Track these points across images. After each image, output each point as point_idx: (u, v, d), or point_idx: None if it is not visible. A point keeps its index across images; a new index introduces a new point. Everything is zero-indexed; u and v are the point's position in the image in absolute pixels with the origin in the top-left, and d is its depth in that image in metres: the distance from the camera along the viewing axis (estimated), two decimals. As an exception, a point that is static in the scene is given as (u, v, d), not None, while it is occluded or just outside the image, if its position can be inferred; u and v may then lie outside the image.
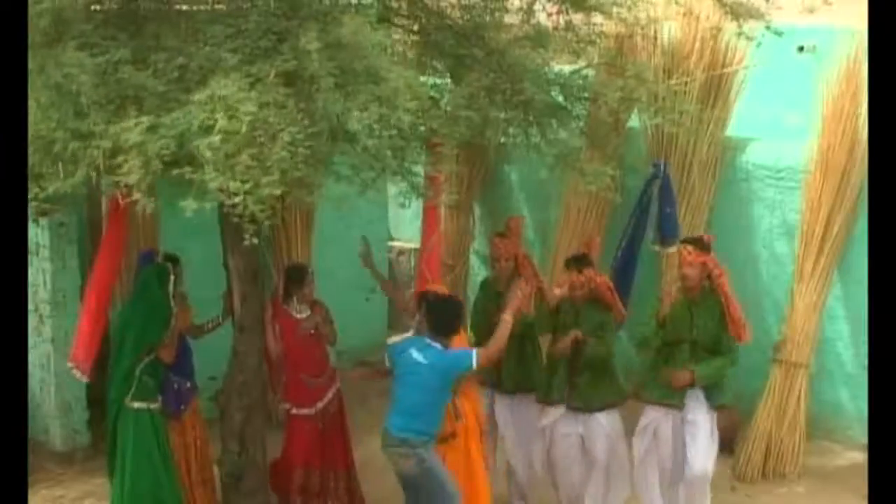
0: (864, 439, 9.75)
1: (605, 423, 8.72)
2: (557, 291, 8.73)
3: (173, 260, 8.87)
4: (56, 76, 6.41)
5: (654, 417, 8.63)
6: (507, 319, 8.09)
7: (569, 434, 8.81)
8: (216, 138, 6.12)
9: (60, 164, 6.51)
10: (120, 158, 6.35)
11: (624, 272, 10.67)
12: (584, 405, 8.71)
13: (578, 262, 8.73)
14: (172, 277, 8.56)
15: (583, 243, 8.94)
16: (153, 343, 8.46)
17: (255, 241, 6.63)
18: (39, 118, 6.46)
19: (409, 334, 8.48)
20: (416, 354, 8.08)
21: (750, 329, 8.45)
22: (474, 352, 8.08)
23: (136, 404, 8.50)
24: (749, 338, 8.40)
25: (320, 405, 9.14)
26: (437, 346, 8.08)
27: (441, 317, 8.20)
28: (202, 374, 9.45)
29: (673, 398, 8.48)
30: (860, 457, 9.96)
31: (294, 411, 9.16)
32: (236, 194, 6.13)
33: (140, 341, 8.45)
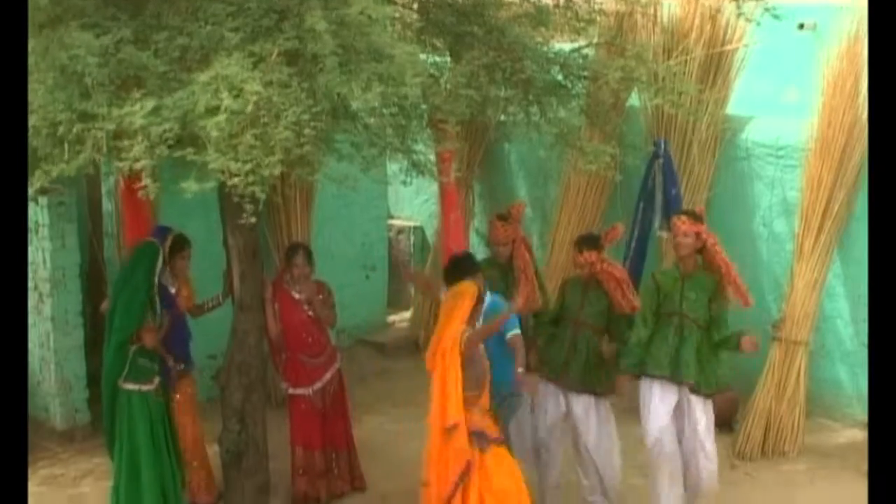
0: (863, 417, 9.80)
1: (591, 407, 8.75)
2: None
3: (184, 241, 8.87)
4: (61, 58, 6.40)
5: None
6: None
7: (554, 412, 8.85)
8: (222, 118, 6.11)
9: (66, 146, 6.50)
10: (125, 142, 6.35)
11: (639, 263, 10.68)
12: (572, 386, 8.73)
13: (581, 242, 8.74)
14: (162, 257, 8.53)
15: (605, 231, 8.86)
16: (132, 327, 8.41)
17: (253, 220, 6.63)
18: (47, 100, 6.46)
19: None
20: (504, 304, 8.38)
21: (752, 299, 8.43)
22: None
23: (129, 386, 8.50)
24: (752, 303, 8.35)
25: (318, 385, 9.17)
26: None
27: None
28: (202, 352, 9.47)
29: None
30: (859, 434, 10.00)
31: (291, 391, 9.20)
32: (237, 175, 6.13)
33: (121, 324, 8.42)
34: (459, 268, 8.33)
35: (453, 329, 7.57)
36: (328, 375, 9.23)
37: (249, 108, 6.10)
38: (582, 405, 8.74)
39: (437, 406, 7.53)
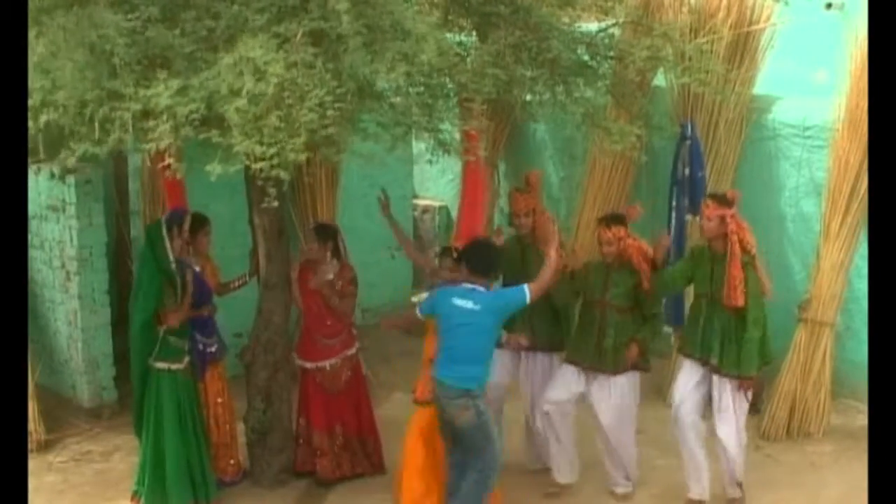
0: (889, 398, 9.76)
1: (611, 387, 8.80)
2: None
3: (203, 218, 8.88)
4: (91, 36, 6.42)
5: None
6: (551, 255, 7.98)
7: (573, 392, 8.91)
8: (244, 101, 6.12)
9: (95, 125, 6.51)
10: (151, 123, 6.36)
11: (678, 249, 10.64)
12: (593, 366, 8.78)
13: (608, 219, 8.74)
14: (168, 238, 8.44)
15: (626, 208, 8.91)
16: (152, 306, 8.41)
17: (275, 203, 6.65)
18: (75, 78, 6.48)
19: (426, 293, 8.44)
20: (462, 302, 7.92)
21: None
22: (526, 286, 7.92)
23: (160, 364, 8.53)
24: (738, 303, 8.23)
25: (324, 363, 9.20)
26: (481, 288, 7.98)
27: (479, 259, 8.09)
28: (228, 331, 9.49)
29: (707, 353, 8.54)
30: (885, 416, 9.96)
31: (297, 362, 9.28)
32: (262, 159, 6.15)
33: (143, 304, 8.43)
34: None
35: None
36: (337, 358, 9.23)
37: (271, 89, 6.11)
38: (600, 385, 8.77)
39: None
